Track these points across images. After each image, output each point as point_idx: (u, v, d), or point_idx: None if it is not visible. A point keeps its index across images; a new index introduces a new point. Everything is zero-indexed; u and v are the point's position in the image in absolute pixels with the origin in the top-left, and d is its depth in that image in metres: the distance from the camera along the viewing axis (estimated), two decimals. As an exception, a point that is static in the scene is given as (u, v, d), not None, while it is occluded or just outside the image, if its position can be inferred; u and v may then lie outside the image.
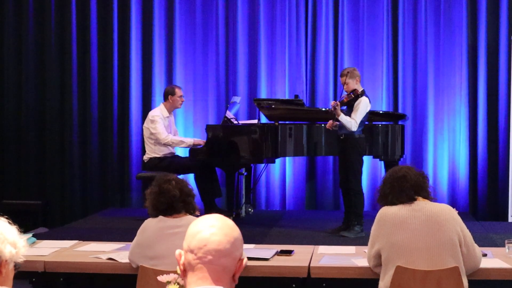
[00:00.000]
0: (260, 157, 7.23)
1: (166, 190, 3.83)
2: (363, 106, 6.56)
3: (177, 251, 2.11)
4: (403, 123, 7.72)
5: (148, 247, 3.87)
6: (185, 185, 3.91)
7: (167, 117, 7.69)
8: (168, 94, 7.70)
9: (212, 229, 2.08)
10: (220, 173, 7.96)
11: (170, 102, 7.67)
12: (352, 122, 6.52)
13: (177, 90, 7.71)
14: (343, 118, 6.51)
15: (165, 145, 7.59)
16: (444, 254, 3.69)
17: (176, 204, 3.83)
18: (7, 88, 9.12)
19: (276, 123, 7.21)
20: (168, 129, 7.65)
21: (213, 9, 8.95)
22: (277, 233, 6.91)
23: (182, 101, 7.76)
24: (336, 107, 6.48)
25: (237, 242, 2.11)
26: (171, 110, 7.74)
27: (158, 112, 7.65)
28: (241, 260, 2.12)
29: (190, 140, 7.64)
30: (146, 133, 7.65)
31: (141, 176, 7.72)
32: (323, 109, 7.70)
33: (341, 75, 6.71)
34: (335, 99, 8.59)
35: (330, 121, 6.73)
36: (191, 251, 2.07)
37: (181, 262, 2.11)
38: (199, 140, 7.64)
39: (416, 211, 3.76)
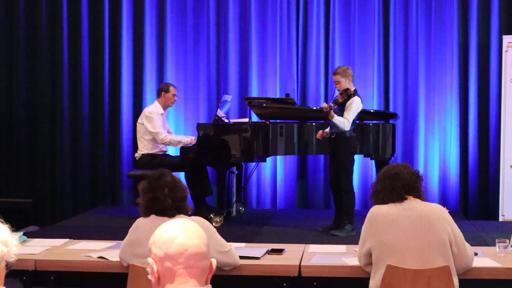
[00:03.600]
0: (251, 155, 7.22)
1: (159, 200, 3.84)
2: (355, 105, 6.57)
3: (149, 260, 2.11)
4: (394, 122, 7.72)
5: (139, 246, 3.86)
6: (178, 190, 3.89)
7: (162, 114, 7.66)
8: (161, 91, 7.66)
9: (187, 233, 2.09)
10: (211, 172, 7.95)
11: (163, 99, 7.63)
12: (345, 122, 6.52)
13: (171, 88, 7.66)
14: (336, 119, 6.51)
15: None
16: (435, 254, 3.69)
17: (169, 211, 3.85)
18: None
19: (267, 122, 7.20)
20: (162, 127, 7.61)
21: (204, 7, 8.94)
22: (268, 232, 6.90)
23: (175, 100, 7.72)
24: (330, 110, 6.48)
25: (208, 244, 2.13)
26: (164, 107, 7.70)
27: (154, 108, 7.59)
28: (211, 261, 2.14)
29: (187, 139, 7.58)
30: (140, 130, 7.57)
31: (132, 175, 7.70)
32: (314, 107, 7.71)
33: (334, 74, 6.71)
34: (326, 98, 8.63)
35: (320, 131, 6.75)
36: (171, 258, 2.07)
37: (155, 270, 2.10)
38: (195, 138, 7.57)
39: (407, 210, 3.77)
